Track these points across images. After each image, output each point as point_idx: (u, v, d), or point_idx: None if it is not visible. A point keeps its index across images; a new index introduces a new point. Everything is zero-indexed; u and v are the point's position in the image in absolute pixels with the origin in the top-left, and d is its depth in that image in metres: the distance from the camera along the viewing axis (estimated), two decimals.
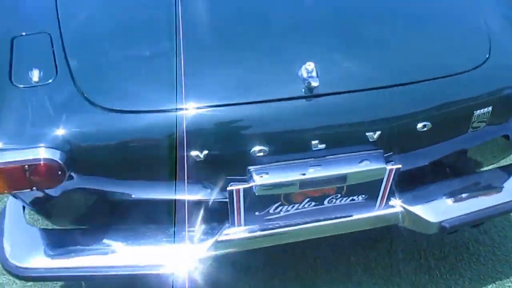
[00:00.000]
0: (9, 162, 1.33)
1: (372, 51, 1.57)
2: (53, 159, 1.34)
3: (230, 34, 1.57)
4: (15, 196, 1.55)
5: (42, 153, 1.34)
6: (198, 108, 1.41)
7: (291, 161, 1.47)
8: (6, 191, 1.40)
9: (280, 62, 1.50)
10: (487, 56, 1.61)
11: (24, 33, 1.57)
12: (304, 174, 1.46)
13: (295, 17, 1.61)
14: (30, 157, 1.33)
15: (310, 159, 1.47)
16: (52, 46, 1.53)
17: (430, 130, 1.52)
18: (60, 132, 1.37)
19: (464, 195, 1.73)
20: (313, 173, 1.46)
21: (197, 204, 1.59)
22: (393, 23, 1.68)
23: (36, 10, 1.67)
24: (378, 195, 1.63)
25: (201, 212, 1.60)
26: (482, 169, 1.92)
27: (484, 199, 1.74)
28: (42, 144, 1.35)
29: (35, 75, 1.46)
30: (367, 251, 2.22)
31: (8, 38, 1.56)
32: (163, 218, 1.61)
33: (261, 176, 1.45)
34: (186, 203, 1.56)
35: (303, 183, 1.47)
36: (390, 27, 1.66)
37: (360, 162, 1.50)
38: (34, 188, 1.38)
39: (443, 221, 1.67)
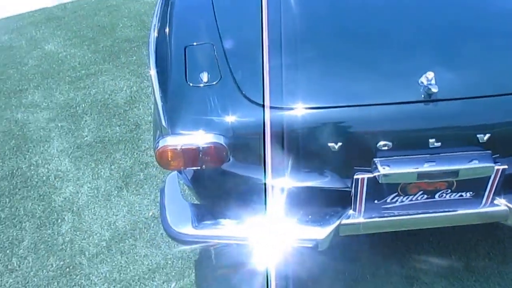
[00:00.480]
0: (188, 144, 1.71)
1: (484, 63, 1.82)
2: (220, 143, 1.71)
3: (365, 49, 1.88)
4: (180, 173, 1.95)
5: (212, 138, 1.71)
6: (336, 106, 1.74)
7: (411, 156, 1.74)
8: (182, 167, 1.79)
9: (406, 71, 1.79)
10: None
11: (194, 43, 1.98)
12: (421, 167, 1.72)
13: (414, 32, 1.91)
14: (204, 141, 1.71)
15: (427, 155, 1.74)
16: (215, 54, 1.92)
17: None
18: (225, 122, 1.74)
19: None
20: (429, 167, 1.73)
21: (327, 190, 1.90)
22: (502, 37, 1.91)
23: (201, 25, 2.09)
24: (485, 193, 1.85)
25: (330, 197, 1.91)
26: None
27: None
28: (212, 131, 1.72)
29: (204, 77, 1.85)
30: (468, 251, 2.42)
31: (182, 48, 1.97)
32: (296, 201, 1.93)
33: (384, 168, 1.74)
34: (316, 189, 1.88)
35: (420, 175, 1.74)
36: (500, 40, 1.89)
37: (471, 160, 1.74)
38: (203, 166, 1.75)
39: None
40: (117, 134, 3.32)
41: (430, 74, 1.69)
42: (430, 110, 1.72)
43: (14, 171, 3.09)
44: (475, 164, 1.73)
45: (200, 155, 1.72)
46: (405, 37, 1.91)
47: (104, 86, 3.82)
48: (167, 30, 2.11)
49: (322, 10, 2.06)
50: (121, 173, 3.02)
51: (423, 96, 1.71)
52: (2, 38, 4.71)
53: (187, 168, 1.80)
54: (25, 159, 3.18)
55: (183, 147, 1.71)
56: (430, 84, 1.69)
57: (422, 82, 1.70)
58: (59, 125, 3.44)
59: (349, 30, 1.95)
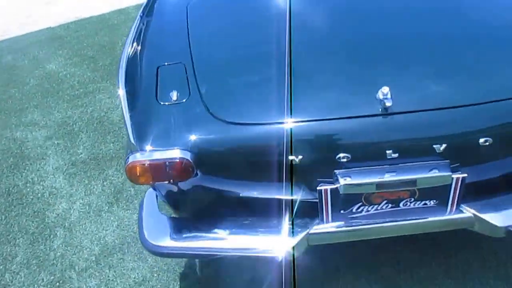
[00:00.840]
0: (155, 160, 1.79)
1: (437, 77, 1.86)
2: (185, 158, 1.78)
3: (323, 65, 1.95)
4: (154, 189, 2.03)
5: (178, 153, 1.79)
6: (296, 121, 1.80)
7: (370, 167, 1.79)
8: (151, 182, 1.86)
9: (363, 86, 1.85)
10: None
11: (166, 63, 2.07)
12: (379, 178, 1.78)
13: (372, 47, 1.98)
14: (170, 156, 1.78)
15: (385, 166, 1.79)
16: (186, 73, 2.00)
17: (492, 145, 1.77)
18: (191, 138, 1.82)
19: None
20: (387, 177, 1.78)
21: (293, 202, 1.95)
22: (459, 50, 1.96)
23: (174, 45, 2.18)
24: (448, 200, 1.89)
25: (297, 208, 1.97)
26: None
27: None
28: (178, 147, 1.80)
29: (174, 95, 1.93)
30: (448, 258, 2.44)
31: (154, 68, 2.06)
32: (265, 213, 1.99)
33: (344, 179, 1.79)
34: (284, 201, 1.94)
35: (379, 185, 1.79)
36: (458, 52, 1.94)
37: (429, 170, 1.78)
38: (171, 180, 1.83)
39: (509, 225, 1.89)
40: (111, 151, 3.42)
41: (385, 89, 1.75)
42: (386, 123, 1.77)
43: (11, 189, 3.21)
44: (432, 173, 1.78)
45: (167, 170, 1.80)
46: (364, 52, 1.97)
47: (101, 104, 3.93)
48: (141, 50, 2.21)
49: (283, 29, 2.11)
50: (113, 189, 3.11)
51: (379, 109, 1.76)
52: (6, 57, 4.89)
53: (156, 183, 1.88)
54: (21, 176, 3.30)
55: (150, 163, 1.79)
56: (386, 99, 1.74)
57: (378, 97, 1.76)
58: (56, 142, 3.56)
59: (311, 47, 2.01)
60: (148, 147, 1.81)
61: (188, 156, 1.79)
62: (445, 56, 1.93)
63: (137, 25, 2.43)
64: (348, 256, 2.48)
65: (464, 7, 2.12)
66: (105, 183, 3.16)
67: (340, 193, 1.81)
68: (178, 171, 1.80)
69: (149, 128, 1.87)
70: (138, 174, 1.81)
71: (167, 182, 1.84)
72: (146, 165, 1.79)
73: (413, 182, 1.79)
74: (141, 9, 2.61)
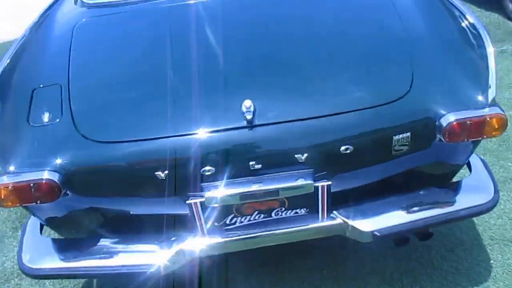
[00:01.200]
0: (20, 182, 1.79)
1: (296, 91, 1.92)
2: (51, 179, 1.79)
3: (188, 82, 1.97)
4: (33, 214, 2.02)
5: (45, 175, 1.79)
6: (161, 137, 1.83)
7: (235, 179, 1.84)
8: (18, 204, 1.86)
9: (226, 100, 1.90)
10: (407, 89, 1.90)
11: (42, 85, 2.07)
12: (244, 189, 1.82)
13: (235, 63, 2.03)
14: (35, 178, 1.79)
15: (250, 177, 1.84)
16: (61, 95, 2.01)
17: (354, 153, 1.85)
18: (60, 159, 1.83)
19: (396, 210, 2.02)
20: (251, 188, 1.82)
21: (169, 216, 1.99)
22: (320, 62, 2.02)
23: (53, 66, 2.18)
24: (318, 208, 1.95)
25: (174, 223, 2.00)
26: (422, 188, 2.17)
27: (413, 214, 2.01)
28: (46, 168, 1.80)
29: (46, 117, 1.93)
30: (339, 265, 2.51)
31: (30, 89, 2.06)
32: (144, 229, 2.02)
33: (210, 192, 1.83)
34: (160, 216, 1.97)
35: (243, 196, 1.83)
36: (317, 66, 2.01)
37: (291, 179, 1.84)
38: (38, 202, 1.83)
39: (374, 230, 1.96)
40: None
41: (248, 102, 1.81)
42: (248, 135, 1.82)
43: None
44: (293, 182, 1.83)
45: (33, 192, 1.80)
46: (229, 68, 2.01)
47: None
48: (17, 69, 2.20)
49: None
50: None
51: (242, 122, 1.81)
52: None
53: (24, 205, 1.88)
54: None
55: (15, 185, 1.79)
56: (248, 111, 1.80)
57: (241, 110, 1.81)
58: None
59: (172, 64, 2.05)
60: (13, 169, 1.81)
61: (55, 177, 1.79)
62: (305, 69, 1.99)
63: (20, 41, 2.43)
64: (238, 267, 2.52)
65: (326, 23, 2.20)
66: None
67: (207, 205, 1.84)
68: (44, 193, 1.80)
69: (16, 150, 1.87)
70: (3, 197, 1.80)
71: (34, 204, 1.83)
72: (10, 187, 1.78)
73: (276, 192, 1.84)
74: (30, 25, 2.60)
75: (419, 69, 1.95)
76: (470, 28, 2.12)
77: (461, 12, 2.22)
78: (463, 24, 2.14)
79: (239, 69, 2.02)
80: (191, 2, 2.34)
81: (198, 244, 1.97)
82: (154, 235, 2.01)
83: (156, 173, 1.81)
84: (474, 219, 2.70)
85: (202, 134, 1.83)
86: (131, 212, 1.98)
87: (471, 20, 2.15)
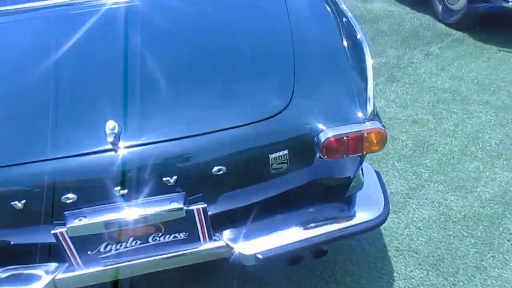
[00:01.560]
0: None
1: (167, 108, 1.82)
2: None
3: (49, 107, 1.82)
4: None
5: None
6: (16, 164, 1.70)
7: (100, 206, 1.73)
8: None
9: (88, 119, 1.78)
10: (286, 105, 1.82)
11: None
12: (106, 217, 1.71)
13: (98, 84, 1.90)
14: None
15: (117, 203, 1.73)
16: None
17: (227, 174, 1.76)
18: None
19: (283, 229, 1.95)
20: (116, 215, 1.71)
21: (41, 247, 1.86)
22: (193, 78, 1.91)
23: None
24: (198, 232, 1.86)
25: (47, 253, 1.88)
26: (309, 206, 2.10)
27: (301, 233, 1.94)
28: None
29: None
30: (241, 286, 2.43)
31: None
32: (16, 261, 1.89)
33: (76, 219, 1.71)
34: (27, 245, 1.85)
35: (108, 224, 1.72)
36: (189, 83, 1.89)
37: (163, 204, 1.74)
38: None
39: (257, 253, 1.88)
40: None
41: (111, 123, 1.70)
42: (111, 158, 1.71)
43: None
44: (162, 207, 1.73)
45: None
46: (93, 90, 1.89)
47: None
48: None
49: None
50: None
51: (104, 145, 1.70)
52: None
53: None
54: None
55: None
56: (111, 133, 1.69)
57: (103, 131, 1.70)
58: None
59: (32, 87, 1.91)
60: None
61: None
62: (177, 86, 1.89)
63: None
64: None
65: (205, 35, 2.11)
66: None
67: (69, 235, 1.73)
68: None
69: None
70: None
71: None
72: None
73: (144, 218, 1.74)
74: None
75: (299, 84, 1.87)
76: (353, 39, 2.05)
77: (348, 21, 2.16)
78: (346, 35, 2.07)
79: (103, 88, 1.89)
80: (72, 12, 2.20)
81: (72, 275, 1.85)
82: (25, 267, 1.88)
83: (12, 203, 1.68)
84: (382, 229, 2.66)
85: (59, 159, 1.71)
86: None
87: (355, 30, 2.09)
